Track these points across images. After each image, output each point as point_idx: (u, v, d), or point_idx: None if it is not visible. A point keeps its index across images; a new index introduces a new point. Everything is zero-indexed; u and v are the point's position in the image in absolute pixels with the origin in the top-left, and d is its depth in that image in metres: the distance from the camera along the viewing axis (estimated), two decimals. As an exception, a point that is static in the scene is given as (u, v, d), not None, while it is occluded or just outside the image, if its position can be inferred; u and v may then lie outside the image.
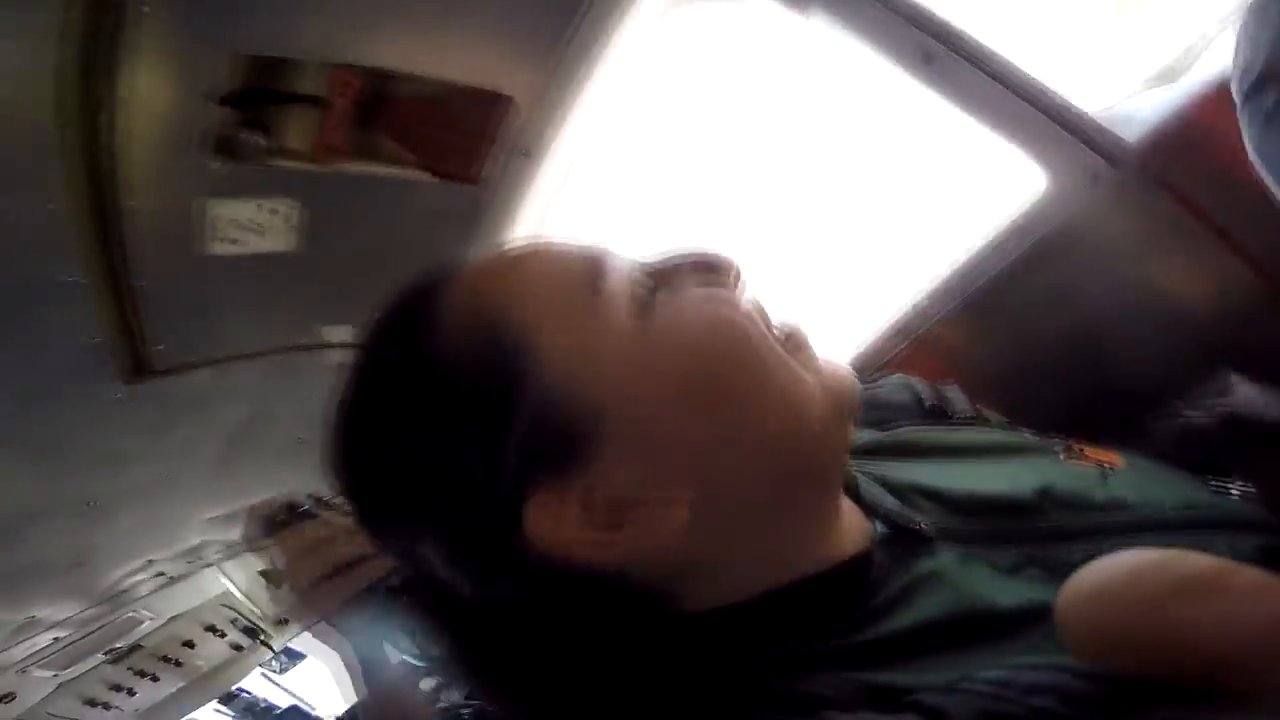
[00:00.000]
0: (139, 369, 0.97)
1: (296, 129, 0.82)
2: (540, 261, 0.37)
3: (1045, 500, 0.41)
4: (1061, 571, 0.32)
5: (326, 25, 0.71)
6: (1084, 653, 0.26)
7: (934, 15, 0.84)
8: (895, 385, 0.59)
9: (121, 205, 0.72)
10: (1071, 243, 0.97)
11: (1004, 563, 0.37)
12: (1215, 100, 0.46)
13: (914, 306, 1.11)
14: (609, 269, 0.35)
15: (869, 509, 0.41)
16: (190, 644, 1.67)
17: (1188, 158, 0.86)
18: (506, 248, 0.39)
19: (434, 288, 0.37)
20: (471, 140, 1.02)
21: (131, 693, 1.70)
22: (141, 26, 0.61)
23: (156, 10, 0.61)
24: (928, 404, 0.56)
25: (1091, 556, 0.33)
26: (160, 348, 0.96)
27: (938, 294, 1.08)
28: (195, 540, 1.52)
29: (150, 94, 0.65)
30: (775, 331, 0.38)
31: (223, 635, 1.70)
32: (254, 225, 0.86)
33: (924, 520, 0.40)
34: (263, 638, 1.73)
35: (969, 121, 0.90)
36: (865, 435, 0.50)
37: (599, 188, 1.18)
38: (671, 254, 0.38)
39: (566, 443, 0.33)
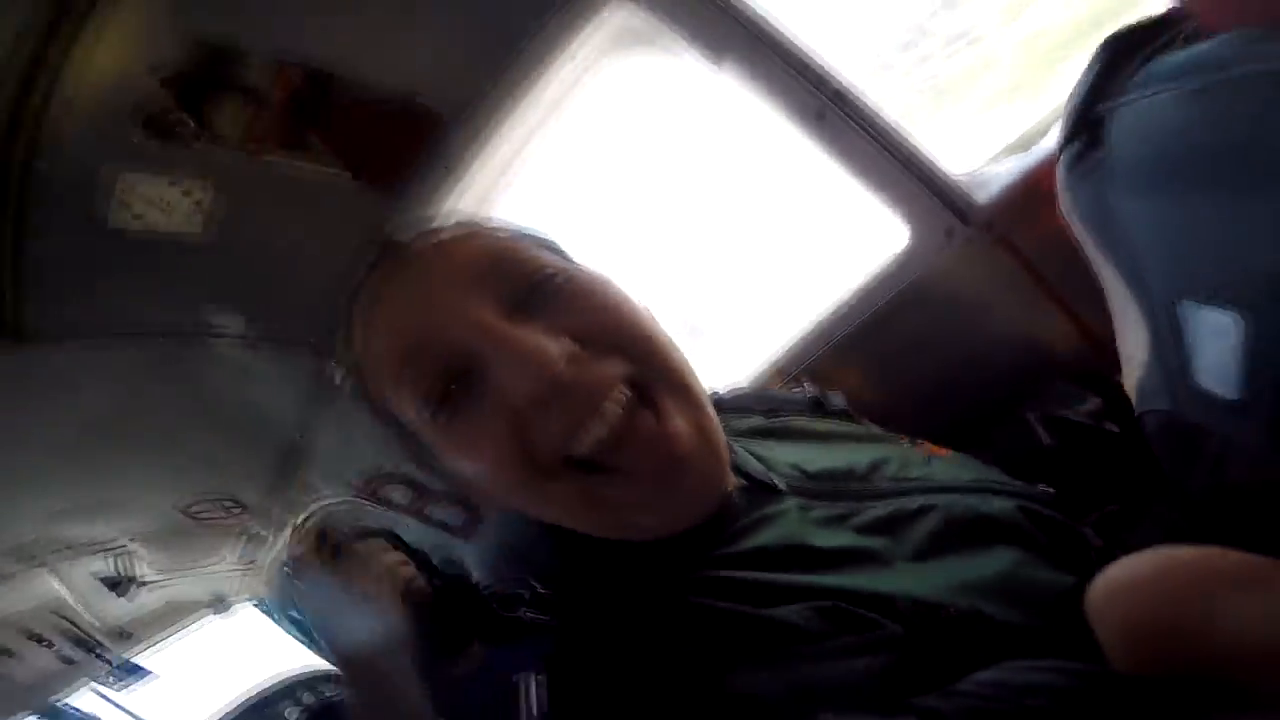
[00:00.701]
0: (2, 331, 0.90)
1: (230, 117, 0.83)
2: (385, 342, 0.47)
3: (874, 471, 0.52)
4: (874, 525, 0.46)
5: (280, 21, 0.74)
6: (1112, 644, 0.26)
7: (832, 77, 0.94)
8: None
9: (32, 165, 0.70)
10: (929, 293, 1.10)
11: (833, 513, 0.48)
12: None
13: (790, 348, 1.25)
14: (416, 375, 0.44)
15: (737, 469, 0.52)
16: (8, 652, 1.47)
17: (1028, 217, 0.97)
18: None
19: None
20: (396, 149, 1.05)
21: (-83, 706, 1.47)
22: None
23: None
24: (809, 396, 0.69)
25: (895, 510, 0.47)
26: (31, 310, 0.90)
27: (811, 337, 1.22)
28: (29, 536, 1.36)
29: (100, 64, 0.65)
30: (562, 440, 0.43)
31: (49, 646, 1.51)
32: (162, 203, 0.85)
33: (778, 479, 0.51)
34: (98, 651, 1.55)
35: (847, 180, 1.00)
36: (755, 421, 0.63)
37: (516, 211, 1.24)
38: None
39: None
